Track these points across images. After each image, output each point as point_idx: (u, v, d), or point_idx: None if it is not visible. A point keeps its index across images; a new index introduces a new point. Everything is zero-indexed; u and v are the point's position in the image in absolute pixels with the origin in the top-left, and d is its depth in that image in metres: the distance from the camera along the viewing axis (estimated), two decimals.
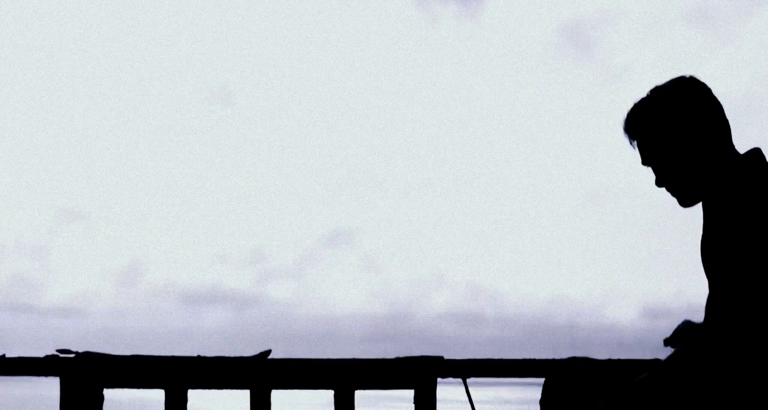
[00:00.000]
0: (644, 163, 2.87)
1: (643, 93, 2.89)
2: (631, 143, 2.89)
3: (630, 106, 2.88)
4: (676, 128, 2.78)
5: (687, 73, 2.87)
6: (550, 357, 3.78)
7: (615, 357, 3.76)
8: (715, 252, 2.62)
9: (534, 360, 3.86)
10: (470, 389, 3.92)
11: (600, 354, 3.55)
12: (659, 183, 2.85)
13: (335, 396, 3.87)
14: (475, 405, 3.95)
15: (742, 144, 2.84)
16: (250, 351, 3.86)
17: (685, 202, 2.83)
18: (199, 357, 3.82)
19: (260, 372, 3.82)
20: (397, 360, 3.88)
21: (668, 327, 2.96)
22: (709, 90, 2.82)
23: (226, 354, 3.83)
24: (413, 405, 3.89)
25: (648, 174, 2.92)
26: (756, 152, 2.77)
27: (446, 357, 3.92)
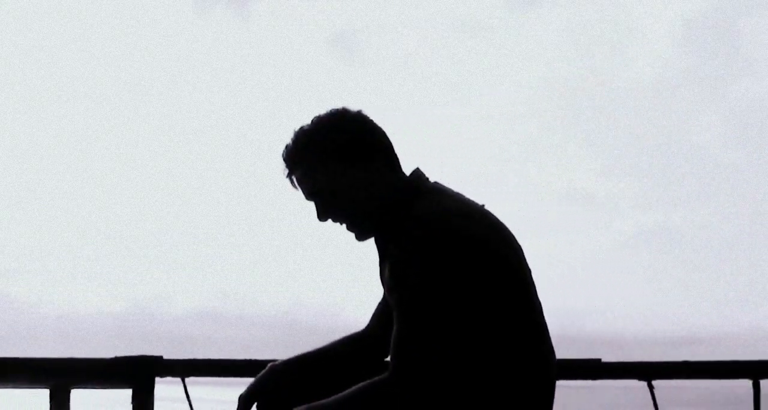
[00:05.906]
0: (308, 198, 2.71)
1: (309, 120, 2.70)
2: (288, 177, 2.70)
3: (289, 137, 2.69)
4: (336, 170, 2.65)
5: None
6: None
7: None
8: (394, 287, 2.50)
9: (252, 360, 3.95)
10: (192, 388, 3.97)
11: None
12: (322, 218, 2.71)
13: (51, 394, 3.83)
14: (194, 404, 4.01)
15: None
16: None
17: (359, 238, 2.70)
18: None
19: None
20: (115, 359, 3.88)
21: None
22: (367, 120, 2.70)
23: None
24: (131, 405, 3.90)
25: None
26: (417, 175, 2.69)
27: (190, 356, 3.95)
